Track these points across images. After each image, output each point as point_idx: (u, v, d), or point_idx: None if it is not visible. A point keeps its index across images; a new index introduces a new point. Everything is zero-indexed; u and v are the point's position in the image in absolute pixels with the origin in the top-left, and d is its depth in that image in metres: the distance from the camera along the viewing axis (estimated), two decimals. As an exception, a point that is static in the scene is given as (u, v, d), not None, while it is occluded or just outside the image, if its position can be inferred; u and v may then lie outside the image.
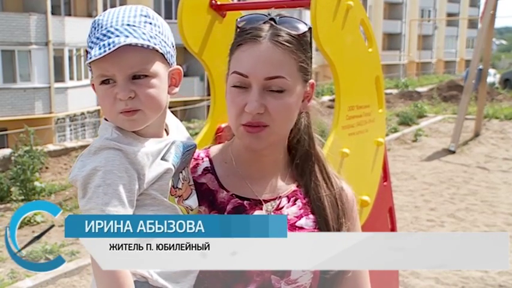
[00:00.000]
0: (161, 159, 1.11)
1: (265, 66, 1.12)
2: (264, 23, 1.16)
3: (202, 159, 1.27)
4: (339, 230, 1.23)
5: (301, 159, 1.27)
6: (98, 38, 1.06)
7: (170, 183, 1.12)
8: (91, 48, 1.06)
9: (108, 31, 1.06)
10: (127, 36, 1.05)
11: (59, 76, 19.60)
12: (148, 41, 1.07)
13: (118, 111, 1.08)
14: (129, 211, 1.05)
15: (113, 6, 22.12)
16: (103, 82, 1.08)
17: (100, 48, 1.04)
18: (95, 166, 1.04)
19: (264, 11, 1.21)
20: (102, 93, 1.09)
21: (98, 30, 1.07)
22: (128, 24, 1.07)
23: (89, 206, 1.03)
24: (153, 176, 1.09)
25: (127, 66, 1.06)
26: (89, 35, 1.09)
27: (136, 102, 1.07)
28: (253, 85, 1.12)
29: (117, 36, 1.05)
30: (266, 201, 1.22)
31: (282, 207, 1.22)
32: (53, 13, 19.41)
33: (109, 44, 1.04)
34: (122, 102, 1.07)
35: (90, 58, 1.04)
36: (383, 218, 2.87)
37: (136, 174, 1.06)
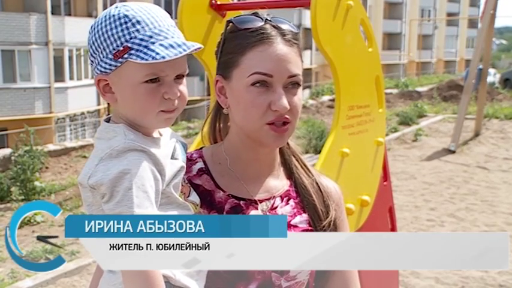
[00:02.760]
0: (171, 158, 1.11)
1: (287, 65, 1.16)
2: (264, 24, 1.18)
3: (196, 159, 1.28)
4: (327, 212, 1.26)
5: (285, 154, 1.31)
6: (150, 37, 1.03)
7: (181, 181, 1.13)
8: (142, 46, 1.03)
9: (161, 30, 1.04)
10: (179, 38, 1.05)
11: (59, 76, 19.60)
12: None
13: (159, 110, 1.07)
14: (156, 212, 1.04)
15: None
16: (149, 80, 1.05)
17: (167, 48, 1.02)
18: (122, 169, 1.01)
19: (250, 12, 1.25)
20: (146, 92, 1.05)
21: (143, 27, 1.04)
22: (172, 26, 1.07)
23: (119, 209, 1.00)
24: (170, 175, 1.09)
25: (180, 67, 1.07)
26: (122, 30, 1.04)
27: (179, 101, 1.09)
28: (276, 84, 1.15)
29: (172, 37, 1.04)
30: (261, 201, 1.24)
31: (276, 207, 1.25)
32: (53, 13, 19.41)
33: (179, 46, 1.02)
34: (170, 101, 1.07)
35: (162, 58, 1.01)
36: (383, 217, 2.87)
37: (159, 174, 1.06)
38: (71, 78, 20.25)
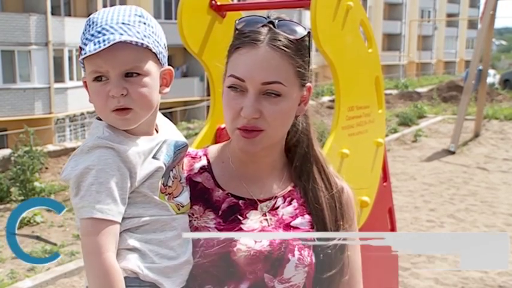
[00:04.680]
0: (152, 157, 1.12)
1: (262, 71, 1.12)
2: (263, 26, 1.16)
3: (200, 157, 1.28)
4: (336, 230, 1.23)
5: (300, 160, 1.27)
6: (92, 35, 1.07)
7: (160, 182, 1.13)
8: (85, 44, 1.07)
9: (103, 28, 1.07)
10: (121, 34, 1.06)
11: (59, 76, 19.60)
12: (142, 39, 1.08)
13: (110, 110, 1.09)
14: (121, 208, 1.06)
15: (112, 6, 22.27)
16: (96, 79, 1.09)
17: (95, 44, 1.05)
18: (88, 165, 1.05)
19: (263, 13, 1.21)
20: (94, 90, 1.09)
21: (92, 27, 1.08)
22: (123, 23, 1.08)
23: (81, 204, 1.04)
24: (145, 174, 1.10)
25: (120, 63, 1.07)
26: (83, 32, 1.10)
27: (128, 100, 1.08)
28: (250, 89, 1.13)
29: (112, 33, 1.06)
30: (261, 201, 1.22)
31: (278, 207, 1.23)
32: (52, 13, 19.41)
33: (104, 41, 1.05)
34: (115, 99, 1.08)
35: (85, 54, 1.05)
36: (383, 218, 2.87)
37: (128, 172, 1.07)
38: (71, 78, 20.25)
